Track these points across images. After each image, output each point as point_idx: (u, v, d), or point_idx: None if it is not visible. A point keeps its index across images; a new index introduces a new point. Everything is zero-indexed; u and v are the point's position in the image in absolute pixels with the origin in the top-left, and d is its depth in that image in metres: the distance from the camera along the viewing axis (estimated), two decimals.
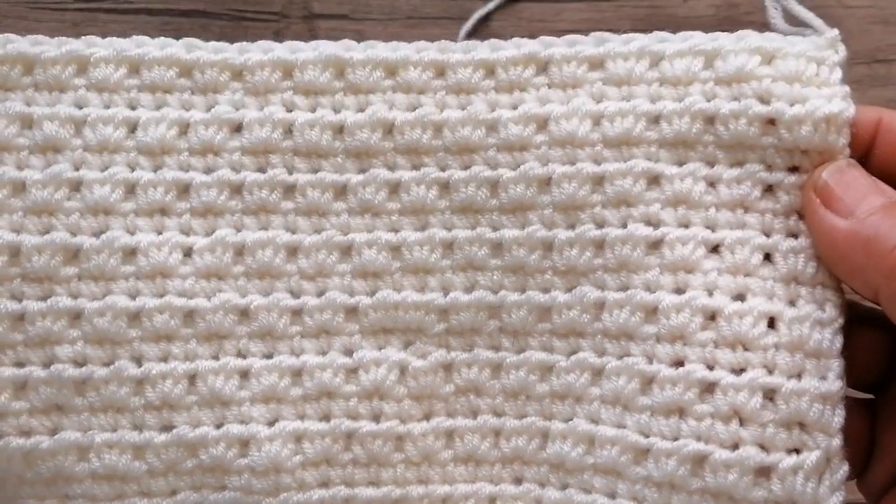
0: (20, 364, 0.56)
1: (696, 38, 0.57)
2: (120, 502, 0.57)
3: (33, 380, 0.56)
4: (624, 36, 0.58)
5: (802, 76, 0.55)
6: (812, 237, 0.54)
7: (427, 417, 0.58)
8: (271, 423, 0.57)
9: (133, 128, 0.57)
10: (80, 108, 0.57)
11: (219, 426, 0.57)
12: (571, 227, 0.57)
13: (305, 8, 0.75)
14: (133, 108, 0.57)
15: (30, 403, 0.56)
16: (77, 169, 0.57)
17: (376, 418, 0.58)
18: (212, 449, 0.56)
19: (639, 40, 0.57)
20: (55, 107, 0.57)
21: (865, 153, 0.56)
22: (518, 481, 0.59)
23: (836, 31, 0.56)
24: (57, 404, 0.56)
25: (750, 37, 0.56)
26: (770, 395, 0.54)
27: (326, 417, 0.57)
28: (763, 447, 0.53)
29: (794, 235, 0.55)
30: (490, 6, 0.62)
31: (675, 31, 0.58)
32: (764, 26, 0.58)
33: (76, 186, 0.57)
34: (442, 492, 0.58)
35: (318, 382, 0.57)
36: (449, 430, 0.58)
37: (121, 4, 0.77)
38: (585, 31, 0.58)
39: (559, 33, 0.59)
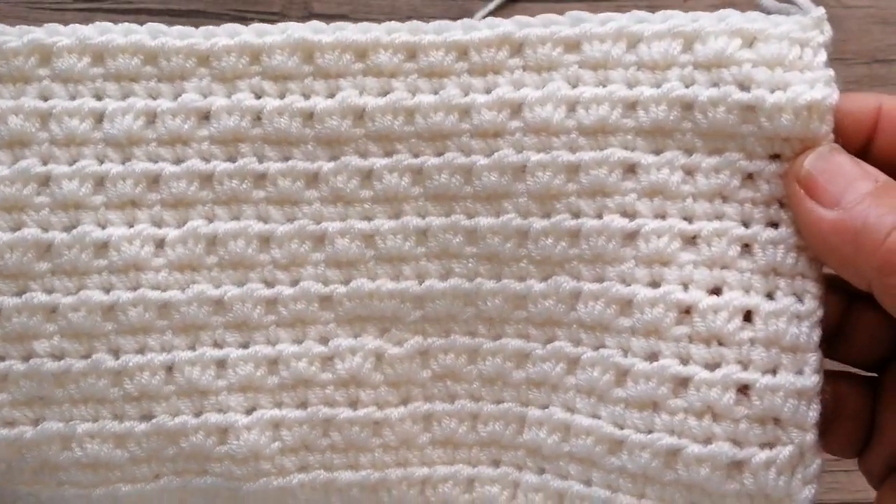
0: (0, 358, 0.57)
1: (676, 19, 0.55)
2: (105, 487, 0.58)
3: (13, 373, 0.56)
4: (601, 15, 0.56)
5: (785, 60, 0.53)
6: (798, 229, 0.53)
7: (404, 403, 0.59)
8: (249, 412, 0.58)
9: (100, 119, 0.56)
10: (46, 99, 0.56)
11: (198, 415, 0.57)
12: (547, 216, 0.56)
13: (305, 8, 0.73)
14: (99, 98, 0.57)
15: (11, 396, 0.57)
16: (45, 163, 0.56)
17: (353, 405, 0.58)
18: (191, 437, 0.57)
19: (616, 20, 0.55)
20: (20, 100, 0.56)
21: (865, 144, 0.54)
22: (496, 464, 0.59)
23: (821, 10, 0.54)
24: (39, 396, 0.57)
25: (731, 16, 0.54)
26: (744, 390, 0.53)
27: (303, 405, 0.58)
28: (736, 442, 0.53)
29: (775, 225, 0.54)
30: (490, 6, 0.59)
31: None
32: None
33: (45, 181, 0.56)
34: (420, 474, 0.59)
35: (294, 371, 0.58)
36: (427, 414, 0.59)
37: (121, 4, 0.76)
38: None
39: None
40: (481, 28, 0.56)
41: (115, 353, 0.57)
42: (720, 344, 0.53)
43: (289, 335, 0.58)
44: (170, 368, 0.57)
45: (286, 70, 0.56)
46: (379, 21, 0.57)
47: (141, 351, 0.57)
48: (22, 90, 0.56)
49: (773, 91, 0.52)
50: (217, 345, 0.58)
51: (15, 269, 0.56)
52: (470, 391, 0.59)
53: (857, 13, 0.68)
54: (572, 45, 0.56)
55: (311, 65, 0.56)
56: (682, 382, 0.54)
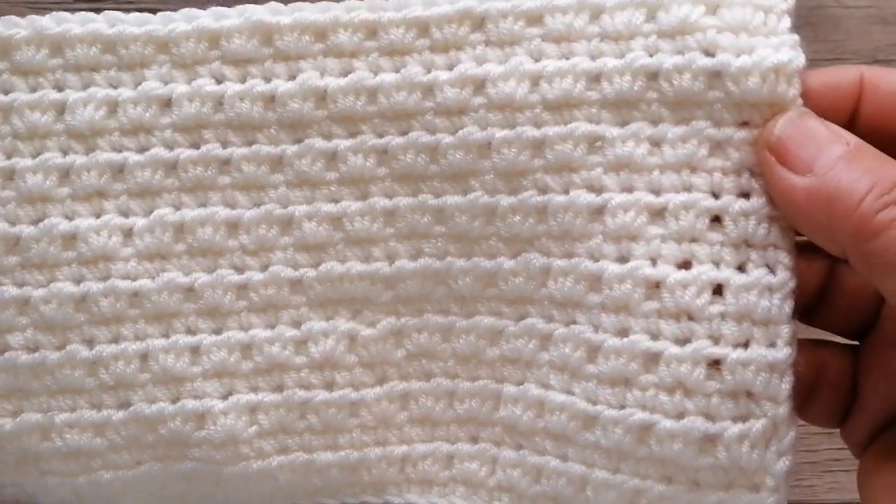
0: None
1: None
2: (87, 475, 0.59)
3: None
4: None
5: (749, 25, 0.52)
6: (770, 198, 0.52)
7: (380, 383, 0.59)
8: (225, 397, 0.58)
9: (61, 110, 0.56)
10: (7, 93, 0.56)
11: (174, 401, 0.58)
12: (514, 193, 0.55)
13: None
14: (60, 89, 0.56)
15: None
16: (9, 157, 0.56)
17: (329, 387, 0.59)
18: (169, 423, 0.58)
19: None
20: None
21: (850, 117, 0.53)
22: (474, 441, 0.60)
23: None
24: (16, 388, 0.58)
25: None
26: (715, 364, 0.53)
27: (279, 389, 0.58)
28: (708, 416, 0.53)
29: (746, 195, 0.53)
30: None
31: None
32: None
33: (10, 175, 0.56)
34: (400, 452, 0.60)
35: (268, 356, 0.58)
36: (403, 393, 0.59)
37: (121, 5, 0.75)
38: None
39: None
40: (441, 4, 0.55)
41: (89, 343, 0.57)
42: (690, 319, 0.53)
43: (261, 320, 0.58)
44: (144, 356, 0.58)
45: (246, 54, 0.56)
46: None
47: (115, 340, 0.57)
48: None
49: (738, 56, 0.51)
50: (190, 332, 0.58)
51: None
52: (445, 369, 0.59)
53: (857, 13, 0.67)
54: (534, 19, 0.54)
55: (271, 47, 0.56)
56: (653, 358, 0.53)
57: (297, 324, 0.58)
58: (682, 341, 0.53)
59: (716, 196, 0.53)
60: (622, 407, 0.54)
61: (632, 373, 0.54)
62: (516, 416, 0.57)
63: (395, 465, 0.60)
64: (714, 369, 0.53)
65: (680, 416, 0.53)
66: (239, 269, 0.58)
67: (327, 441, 0.59)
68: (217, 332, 0.58)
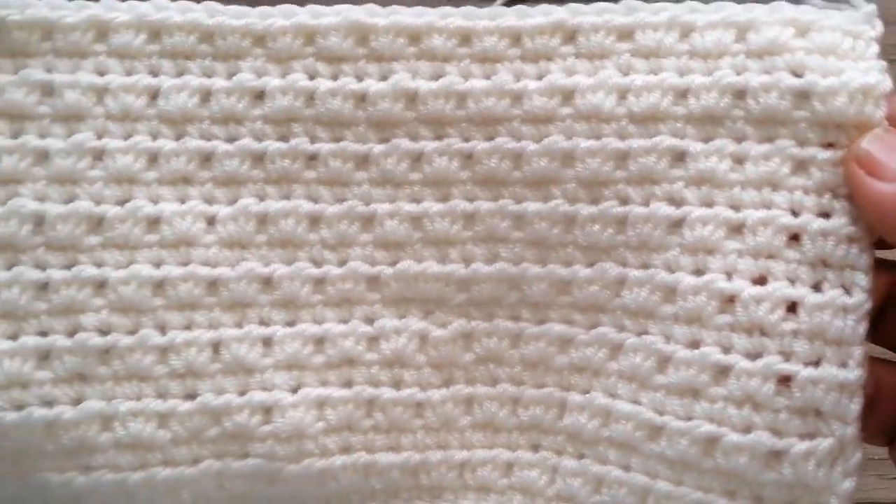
0: (43, 333, 0.57)
1: (730, 9, 0.56)
2: (143, 471, 0.58)
3: (57, 349, 0.57)
4: (654, 5, 0.56)
5: (837, 49, 0.54)
6: (860, 209, 0.53)
7: (446, 385, 0.60)
8: (294, 390, 0.59)
9: (154, 95, 0.58)
10: (102, 75, 0.58)
11: (242, 393, 0.58)
12: (594, 202, 0.57)
13: None
14: (155, 74, 0.58)
15: (53, 373, 0.57)
16: (100, 138, 0.57)
17: (397, 385, 0.59)
18: (235, 416, 0.58)
19: (669, 10, 0.56)
20: (76, 74, 0.57)
21: None
22: (535, 449, 0.60)
23: (873, 6, 0.55)
24: (80, 373, 0.58)
25: (784, 9, 0.55)
26: (785, 380, 0.54)
27: (348, 384, 0.59)
28: (776, 432, 0.54)
29: (826, 215, 0.54)
30: (495, 6, 0.61)
31: None
32: None
33: (99, 155, 0.57)
34: (460, 457, 0.60)
35: (341, 350, 0.59)
36: (468, 397, 0.60)
37: None
38: None
39: None
40: (535, 15, 0.57)
41: (162, 329, 0.58)
42: (762, 334, 0.54)
43: (335, 314, 0.59)
44: (216, 345, 0.58)
45: (340, 52, 0.57)
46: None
47: (188, 327, 0.58)
48: (78, 65, 0.57)
49: (826, 76, 0.53)
50: (263, 322, 0.59)
51: (66, 242, 0.57)
52: (511, 375, 0.60)
53: None
54: (625, 34, 0.56)
55: (365, 47, 0.57)
56: (723, 371, 0.55)
57: (370, 320, 0.59)
58: (754, 356, 0.54)
59: (795, 214, 0.54)
60: (689, 418, 0.55)
61: (701, 384, 0.55)
62: (581, 425, 0.58)
63: (454, 469, 0.60)
64: (783, 385, 0.54)
65: (747, 430, 0.54)
66: (317, 263, 0.59)
67: (390, 441, 0.60)
68: (290, 324, 0.59)
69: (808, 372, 0.53)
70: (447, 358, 0.59)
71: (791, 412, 0.54)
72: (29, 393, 0.57)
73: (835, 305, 0.53)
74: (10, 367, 0.56)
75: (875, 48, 0.54)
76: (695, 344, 0.55)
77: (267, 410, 0.58)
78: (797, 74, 0.54)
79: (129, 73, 0.58)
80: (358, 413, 0.59)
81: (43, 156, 0.57)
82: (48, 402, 0.57)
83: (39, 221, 0.57)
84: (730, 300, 0.55)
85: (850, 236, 0.54)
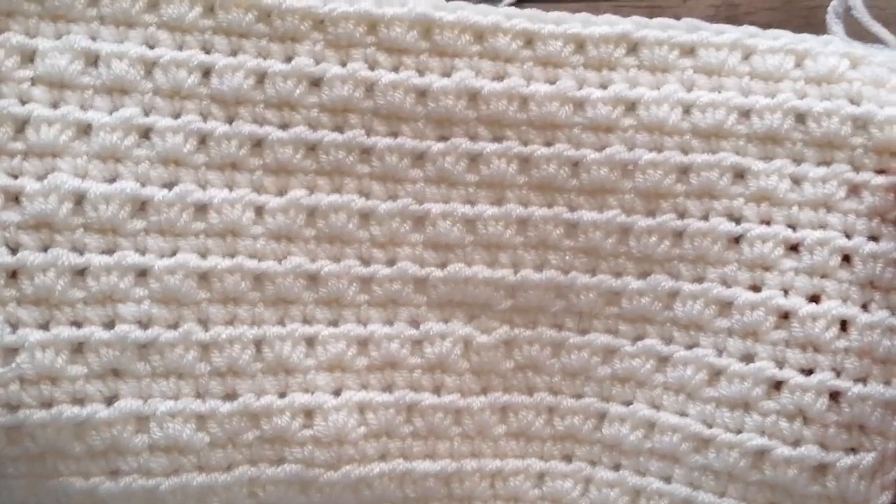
0: (78, 324, 0.53)
1: (787, 37, 0.57)
2: (176, 477, 0.55)
3: (93, 341, 0.53)
4: (716, 26, 0.58)
5: (887, 84, 0.57)
6: None
7: (484, 392, 0.59)
8: (336, 393, 0.56)
9: (207, 73, 0.54)
10: (151, 47, 0.54)
11: (282, 395, 0.56)
12: (651, 214, 0.57)
13: None
14: (207, 51, 0.55)
15: (87, 367, 0.53)
16: (147, 114, 0.54)
17: (437, 391, 0.58)
18: (276, 419, 0.55)
19: (731, 32, 0.57)
20: (123, 44, 0.53)
21: None
22: (568, 459, 0.60)
23: None
24: (116, 369, 0.53)
25: (836, 42, 0.57)
26: (834, 396, 0.56)
27: (389, 388, 0.57)
28: (823, 446, 0.56)
29: (875, 238, 0.56)
30: (501, 6, 0.61)
31: None
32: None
33: (145, 133, 0.54)
34: (493, 466, 0.59)
35: (386, 353, 0.57)
36: (504, 405, 0.59)
37: None
38: None
39: None
40: (600, 23, 0.57)
41: (205, 324, 0.55)
42: (816, 350, 0.56)
43: (379, 315, 0.57)
44: (258, 343, 0.55)
45: (403, 44, 0.56)
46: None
47: (230, 323, 0.55)
48: (125, 34, 0.54)
49: (882, 107, 0.56)
50: (306, 321, 0.56)
51: (106, 224, 0.53)
52: (550, 384, 0.59)
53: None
54: (687, 50, 0.57)
55: (429, 41, 0.56)
56: (776, 385, 0.56)
57: (414, 323, 0.57)
58: (807, 371, 0.56)
59: (848, 236, 0.56)
60: (739, 431, 0.56)
61: (754, 398, 0.56)
62: (622, 436, 0.58)
63: (486, 479, 0.59)
64: (832, 401, 0.56)
65: (797, 443, 0.56)
66: (365, 262, 0.57)
67: (427, 448, 0.58)
68: (333, 323, 0.56)
69: (858, 388, 0.55)
70: (488, 364, 0.58)
71: (839, 427, 0.56)
72: (59, 389, 0.53)
73: (884, 326, 0.56)
74: (41, 359, 0.52)
75: None
76: (748, 358, 0.56)
77: (308, 413, 0.56)
78: (854, 102, 0.56)
79: (179, 47, 0.54)
80: (399, 418, 0.57)
81: (84, 130, 0.53)
82: (79, 400, 0.53)
83: (79, 201, 0.53)
84: (784, 316, 0.56)
85: None
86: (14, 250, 0.52)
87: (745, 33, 0.58)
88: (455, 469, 0.58)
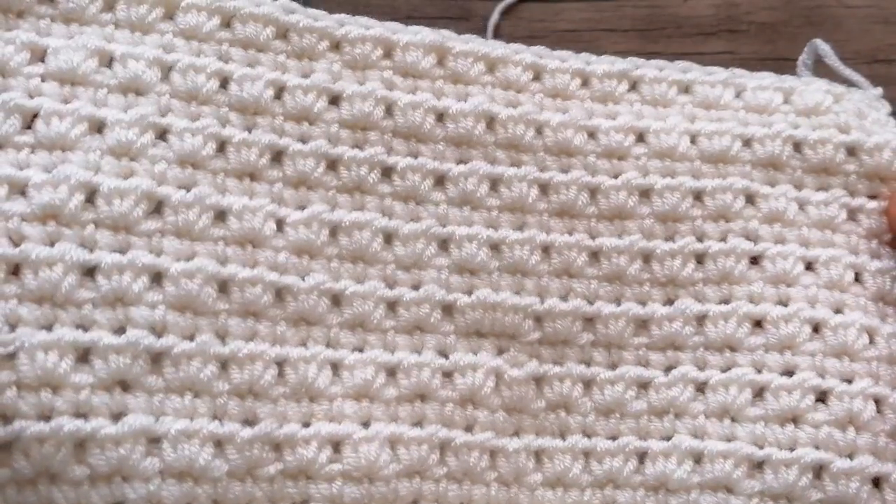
0: (84, 327, 0.46)
1: (772, 78, 0.61)
2: None
3: (101, 347, 0.46)
4: (706, 68, 0.60)
5: (868, 117, 0.60)
6: None
7: (517, 433, 0.54)
8: (364, 424, 0.51)
9: (225, 81, 0.52)
10: (168, 52, 0.51)
11: (305, 424, 0.49)
12: (671, 238, 0.57)
13: (306, 3, 0.71)
14: (224, 61, 0.52)
15: (94, 377, 0.46)
16: (163, 115, 0.50)
17: (469, 428, 0.53)
18: (301, 449, 0.49)
19: (720, 73, 0.60)
20: (139, 47, 0.51)
21: None
22: None
23: (879, 90, 0.62)
24: (124, 380, 0.47)
25: (817, 82, 0.61)
26: (876, 405, 0.55)
27: (419, 422, 0.52)
28: (877, 455, 0.54)
29: (878, 257, 0.58)
30: (502, 5, 0.62)
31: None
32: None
33: (162, 133, 0.50)
34: None
35: (416, 382, 0.52)
36: (539, 449, 0.54)
37: None
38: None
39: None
40: (601, 62, 0.59)
41: (223, 337, 0.49)
42: (851, 360, 0.55)
43: (406, 342, 0.53)
44: (282, 364, 0.50)
45: (419, 69, 0.56)
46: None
47: (251, 339, 0.49)
48: (141, 40, 0.51)
49: (870, 135, 0.59)
50: (329, 345, 0.51)
51: (120, 221, 0.48)
52: (583, 425, 0.55)
53: (858, 13, 0.70)
54: (684, 87, 0.60)
55: (444, 68, 0.56)
56: (822, 395, 0.55)
57: (442, 352, 0.53)
58: (848, 380, 0.55)
59: (855, 255, 0.58)
60: (793, 448, 0.54)
61: (803, 410, 0.54)
62: (669, 472, 0.54)
63: None
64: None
65: (851, 454, 0.54)
66: (389, 284, 0.53)
67: (462, 493, 0.52)
68: (359, 349, 0.52)
69: None
70: (520, 402, 0.54)
71: (887, 435, 0.54)
72: (60, 398, 0.45)
73: None
74: (42, 362, 0.45)
75: (893, 122, 0.61)
76: (789, 371, 0.55)
77: (335, 445, 0.50)
78: (843, 132, 0.59)
79: (196, 55, 0.52)
80: (433, 456, 0.52)
81: (98, 126, 0.49)
82: (83, 413, 0.46)
83: (91, 196, 0.48)
84: (815, 329, 0.56)
85: None
86: (17, 244, 0.46)
87: (734, 74, 0.61)
88: None
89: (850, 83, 0.63)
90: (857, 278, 0.58)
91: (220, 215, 0.50)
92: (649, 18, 0.69)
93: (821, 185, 0.59)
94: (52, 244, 0.46)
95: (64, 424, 0.45)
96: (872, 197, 0.59)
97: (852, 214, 0.59)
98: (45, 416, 0.45)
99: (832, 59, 0.63)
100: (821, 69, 0.63)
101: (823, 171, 0.59)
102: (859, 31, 0.62)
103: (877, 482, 0.54)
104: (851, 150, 0.59)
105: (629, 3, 0.66)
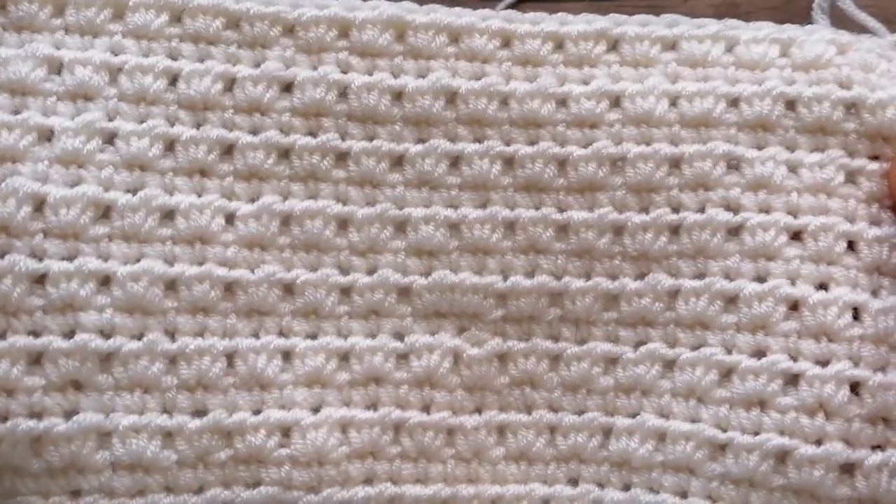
0: (35, 333, 0.51)
1: (770, 27, 0.57)
2: (142, 498, 0.52)
3: (52, 351, 0.51)
4: (696, 20, 0.58)
5: (875, 69, 0.56)
6: None
7: (479, 410, 0.56)
8: (315, 410, 0.54)
9: (173, 79, 0.54)
10: (116, 54, 0.54)
11: (257, 412, 0.53)
12: (644, 210, 0.56)
13: None
14: (174, 58, 0.55)
15: (45, 379, 0.51)
16: (111, 119, 0.53)
17: (426, 408, 0.55)
18: (249, 436, 0.53)
19: (712, 25, 0.57)
20: (87, 52, 0.54)
21: None
22: (574, 482, 0.56)
23: (894, 37, 0.58)
24: (76, 381, 0.52)
25: (821, 31, 0.57)
26: (854, 388, 0.53)
27: (373, 405, 0.55)
28: (848, 442, 0.53)
29: (877, 224, 0.55)
30: (502, 5, 0.61)
31: None
32: None
33: (109, 138, 0.53)
34: (493, 492, 0.56)
35: (368, 367, 0.55)
36: (501, 424, 0.56)
37: None
38: None
39: None
40: (577, 21, 0.57)
41: (172, 334, 0.53)
42: (830, 340, 0.53)
43: (361, 327, 0.55)
44: (230, 356, 0.53)
45: (376, 47, 0.56)
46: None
47: (200, 334, 0.53)
48: (90, 43, 0.54)
49: (873, 91, 0.55)
50: (283, 334, 0.54)
51: (67, 229, 0.52)
52: (549, 400, 0.56)
53: None
54: (669, 44, 0.57)
55: (403, 43, 0.56)
56: (792, 379, 0.53)
57: (399, 335, 0.55)
58: (823, 362, 0.53)
59: (850, 222, 0.55)
60: (757, 432, 0.53)
61: (770, 394, 0.53)
62: (631, 450, 0.55)
63: None
64: (853, 393, 0.53)
65: (819, 441, 0.53)
66: (344, 270, 0.55)
67: (418, 471, 0.55)
68: (312, 336, 0.54)
69: (879, 377, 0.53)
70: (481, 380, 0.56)
71: (863, 420, 0.53)
72: (15, 401, 0.51)
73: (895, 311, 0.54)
74: None
75: None
76: (760, 353, 0.54)
77: (285, 431, 0.53)
78: (844, 86, 0.56)
79: (145, 55, 0.54)
80: (384, 438, 0.54)
81: (46, 135, 0.53)
82: (37, 413, 0.51)
83: (39, 205, 0.52)
84: (794, 306, 0.54)
85: None
86: None
87: (727, 25, 0.57)
88: (450, 494, 0.55)
89: (864, 30, 0.58)
90: (852, 247, 0.55)
91: (170, 214, 0.53)
92: None
93: (816, 146, 0.56)
94: (2, 256, 0.51)
95: (19, 424, 0.50)
96: (874, 158, 0.56)
97: (851, 177, 0.56)
98: (2, 417, 0.50)
99: (845, 1, 0.59)
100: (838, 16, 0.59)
101: (819, 130, 0.56)
102: (859, 31, 0.59)
103: (851, 468, 0.53)
104: (852, 107, 0.55)
105: (629, 3, 0.64)
